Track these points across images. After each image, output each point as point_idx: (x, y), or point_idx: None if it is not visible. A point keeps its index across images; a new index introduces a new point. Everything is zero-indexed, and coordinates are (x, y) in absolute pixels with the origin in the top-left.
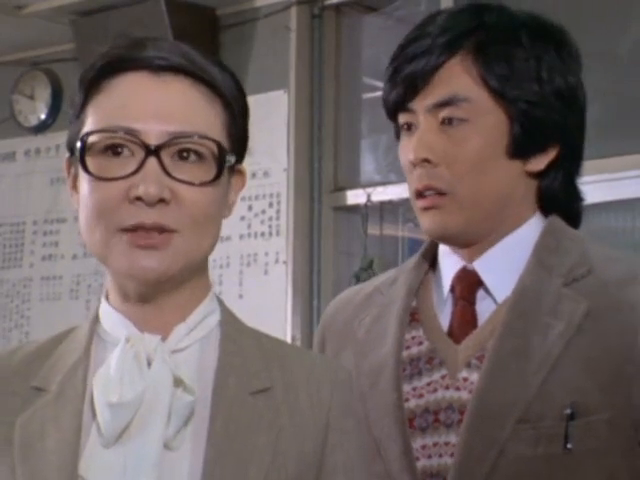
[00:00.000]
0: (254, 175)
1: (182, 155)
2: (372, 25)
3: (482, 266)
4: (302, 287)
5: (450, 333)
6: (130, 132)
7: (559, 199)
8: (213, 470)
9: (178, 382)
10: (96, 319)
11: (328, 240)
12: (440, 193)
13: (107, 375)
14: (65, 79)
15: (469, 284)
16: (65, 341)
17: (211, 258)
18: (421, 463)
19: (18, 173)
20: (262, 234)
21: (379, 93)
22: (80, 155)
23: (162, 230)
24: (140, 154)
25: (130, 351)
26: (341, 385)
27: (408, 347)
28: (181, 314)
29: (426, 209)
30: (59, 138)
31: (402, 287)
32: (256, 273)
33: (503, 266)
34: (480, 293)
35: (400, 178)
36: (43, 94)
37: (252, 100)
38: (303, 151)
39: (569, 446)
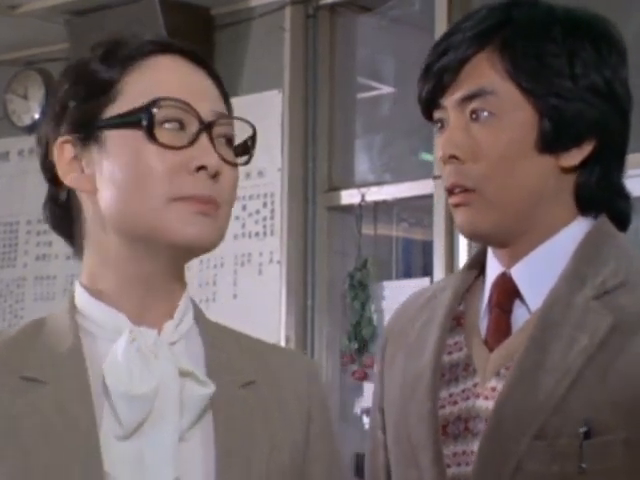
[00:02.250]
0: (248, 175)
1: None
2: (366, 25)
3: (519, 273)
4: (296, 287)
5: (486, 341)
6: (188, 105)
7: (597, 196)
8: (225, 461)
9: (184, 374)
10: (73, 310)
11: (322, 240)
12: (468, 190)
13: (117, 367)
14: None
15: (505, 291)
16: (43, 332)
17: (205, 258)
18: (451, 470)
19: (11, 173)
20: (256, 234)
21: (373, 93)
22: (149, 122)
23: (214, 202)
24: (193, 128)
25: (133, 344)
26: (315, 378)
27: (450, 352)
28: (169, 307)
29: (457, 206)
30: None
31: (449, 291)
32: (250, 273)
33: (540, 274)
34: (517, 301)
35: (394, 178)
36: (37, 94)
37: (246, 100)
38: (297, 151)
39: (583, 466)
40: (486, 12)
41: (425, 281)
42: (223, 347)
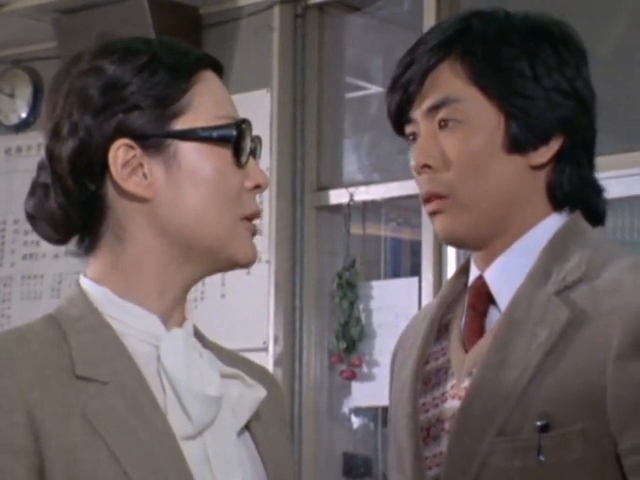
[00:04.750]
0: None
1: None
2: (355, 24)
3: (491, 276)
4: (284, 287)
5: (463, 343)
6: (250, 126)
7: (569, 192)
8: (270, 457)
9: (227, 376)
10: (94, 311)
11: (310, 240)
12: (443, 197)
13: (182, 368)
14: (47, 77)
15: (479, 294)
16: (70, 332)
17: None
18: (432, 472)
19: None
20: None
21: (362, 92)
22: (237, 140)
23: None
24: (247, 147)
25: (179, 345)
26: (276, 381)
27: (436, 359)
28: (183, 312)
29: (433, 213)
30: (40, 137)
31: (436, 300)
32: (238, 273)
33: (511, 274)
34: (492, 303)
35: (383, 178)
36: (24, 92)
37: (235, 99)
38: (286, 150)
39: (542, 458)
40: (447, 24)
41: (413, 281)
42: (213, 348)
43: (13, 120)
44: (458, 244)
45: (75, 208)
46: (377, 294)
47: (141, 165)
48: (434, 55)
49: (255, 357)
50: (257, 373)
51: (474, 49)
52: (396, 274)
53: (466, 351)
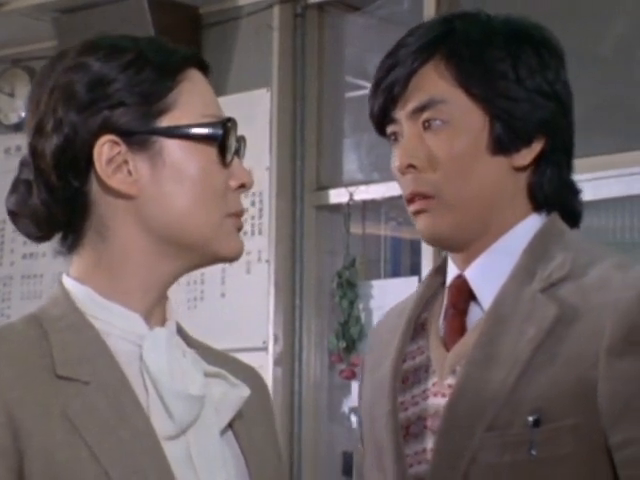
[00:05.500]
0: None
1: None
2: (355, 24)
3: (472, 274)
4: (284, 286)
5: (444, 342)
6: (236, 125)
7: (550, 194)
8: (253, 461)
9: (210, 375)
10: (76, 311)
11: (310, 239)
12: (428, 197)
13: (164, 367)
14: None
15: (459, 292)
16: (52, 331)
17: None
18: (413, 469)
19: None
20: (244, 233)
21: (362, 92)
22: (223, 139)
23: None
24: (233, 146)
25: (162, 345)
26: (264, 381)
27: (413, 357)
28: (164, 310)
29: (417, 213)
30: None
31: (413, 299)
32: (238, 272)
33: (492, 273)
34: (472, 302)
35: (383, 177)
36: (24, 92)
37: (234, 98)
38: (286, 150)
39: (533, 453)
40: (429, 26)
41: (413, 280)
42: (198, 347)
43: (13, 119)
44: (441, 244)
45: (58, 204)
46: (377, 293)
47: (126, 162)
48: (418, 57)
49: (255, 356)
50: (243, 372)
51: (459, 51)
52: (396, 273)
53: (447, 349)
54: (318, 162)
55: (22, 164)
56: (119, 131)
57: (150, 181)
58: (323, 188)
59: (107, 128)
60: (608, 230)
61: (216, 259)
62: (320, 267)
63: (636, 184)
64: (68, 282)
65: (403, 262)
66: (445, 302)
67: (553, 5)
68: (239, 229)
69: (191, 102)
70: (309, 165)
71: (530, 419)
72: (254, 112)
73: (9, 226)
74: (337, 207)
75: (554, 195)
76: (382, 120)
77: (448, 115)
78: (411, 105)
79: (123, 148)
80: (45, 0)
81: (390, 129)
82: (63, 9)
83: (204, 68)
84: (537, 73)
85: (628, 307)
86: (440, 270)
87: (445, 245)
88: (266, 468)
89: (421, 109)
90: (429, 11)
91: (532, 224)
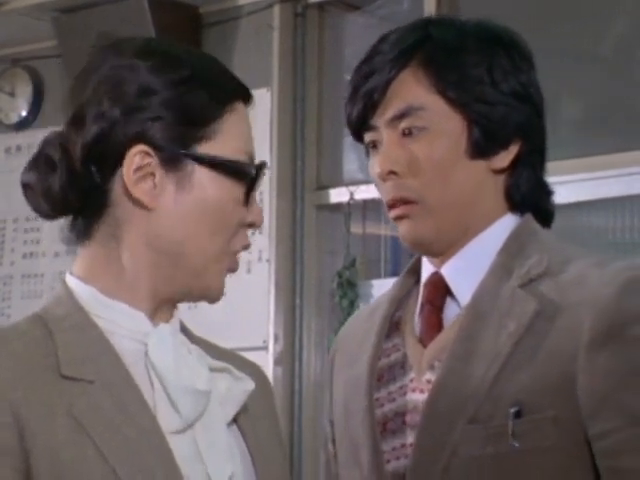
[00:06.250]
0: None
1: None
2: (355, 23)
3: (448, 271)
4: (285, 285)
5: (420, 338)
6: (263, 167)
7: (526, 195)
8: (258, 454)
9: (216, 369)
10: (80, 310)
11: (311, 238)
12: (409, 202)
13: (165, 364)
14: (47, 76)
15: (436, 289)
16: (56, 330)
17: None
18: (391, 465)
19: None
20: None
21: None
22: (254, 179)
23: None
24: (246, 186)
25: (176, 340)
26: (266, 377)
27: (388, 355)
28: (171, 309)
29: (399, 218)
30: (40, 135)
31: (386, 299)
32: (239, 271)
33: (469, 270)
34: (448, 299)
35: None
36: (24, 91)
37: None
38: (286, 149)
39: (515, 444)
40: (404, 32)
41: None
42: (200, 344)
43: (13, 119)
44: (423, 248)
45: (75, 192)
46: (377, 293)
47: (153, 174)
48: (396, 64)
49: (255, 356)
50: (246, 368)
51: (436, 57)
52: (396, 273)
53: (424, 346)
54: (318, 162)
55: (47, 142)
56: (155, 144)
57: (171, 199)
58: (323, 188)
59: (144, 137)
60: (608, 230)
61: (201, 295)
62: (320, 267)
63: (636, 184)
64: (71, 281)
65: (403, 262)
66: (420, 299)
67: (553, 5)
68: (233, 271)
69: (233, 135)
70: (309, 165)
71: (511, 411)
72: (254, 112)
73: (9, 226)
74: (337, 207)
75: (530, 195)
76: (360, 127)
77: (427, 121)
78: (390, 112)
79: (154, 161)
80: (45, 0)
81: (368, 137)
82: (63, 9)
83: (248, 101)
84: (510, 75)
85: (606, 304)
86: (412, 270)
87: (427, 250)
88: (271, 461)
89: (400, 117)
90: (429, 11)
91: (507, 224)
